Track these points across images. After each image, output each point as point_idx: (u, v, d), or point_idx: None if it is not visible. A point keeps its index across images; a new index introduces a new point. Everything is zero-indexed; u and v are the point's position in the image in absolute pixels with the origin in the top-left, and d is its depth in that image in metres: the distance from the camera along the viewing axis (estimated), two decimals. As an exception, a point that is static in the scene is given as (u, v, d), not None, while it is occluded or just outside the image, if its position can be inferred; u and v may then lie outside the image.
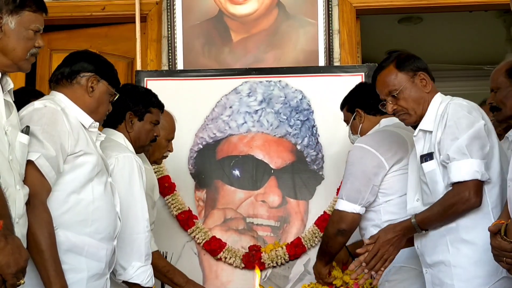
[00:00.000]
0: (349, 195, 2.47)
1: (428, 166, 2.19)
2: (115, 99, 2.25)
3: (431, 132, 2.22)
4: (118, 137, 2.42)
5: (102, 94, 2.19)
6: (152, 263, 2.34)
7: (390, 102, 2.27)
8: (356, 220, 2.50)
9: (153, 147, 2.66)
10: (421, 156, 2.22)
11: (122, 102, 2.40)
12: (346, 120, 2.77)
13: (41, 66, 3.89)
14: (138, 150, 2.48)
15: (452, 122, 2.14)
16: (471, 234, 2.11)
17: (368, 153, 2.49)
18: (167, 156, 2.82)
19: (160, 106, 2.61)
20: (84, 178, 2.03)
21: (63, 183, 1.99)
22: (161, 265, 2.63)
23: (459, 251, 2.13)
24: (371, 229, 2.52)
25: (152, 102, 2.57)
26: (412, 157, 2.37)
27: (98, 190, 2.06)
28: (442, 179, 2.15)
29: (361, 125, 2.67)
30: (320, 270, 2.67)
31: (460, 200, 2.09)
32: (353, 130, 2.72)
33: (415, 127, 2.30)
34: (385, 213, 2.50)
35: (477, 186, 2.08)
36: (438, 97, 2.27)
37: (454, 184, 2.10)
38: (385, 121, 2.67)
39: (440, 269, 2.18)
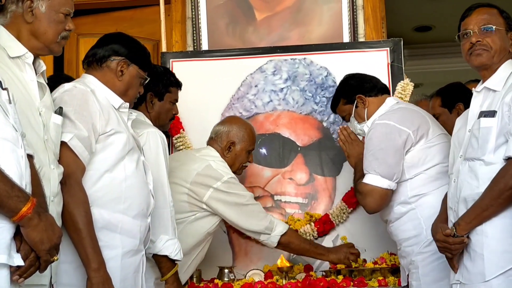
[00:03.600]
0: (383, 170, 2.47)
1: (486, 121, 2.15)
2: (146, 82, 2.29)
3: (495, 91, 2.20)
4: (139, 115, 2.46)
5: (132, 78, 2.22)
6: (290, 241, 2.72)
7: (478, 33, 2.25)
8: (388, 196, 2.50)
9: (232, 158, 2.81)
10: (481, 112, 2.19)
11: None
12: (347, 115, 2.78)
13: (68, 51, 3.96)
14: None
15: None
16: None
17: (394, 129, 2.50)
18: (246, 166, 2.96)
19: (178, 85, 2.66)
20: (115, 156, 2.07)
21: (96, 162, 2.04)
22: (301, 240, 2.88)
23: (493, 222, 2.10)
24: (398, 206, 2.53)
25: (171, 81, 2.62)
26: (458, 119, 2.37)
27: (130, 168, 2.10)
28: (496, 139, 2.12)
29: (366, 109, 2.70)
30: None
31: None
32: (359, 119, 2.74)
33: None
34: (412, 189, 2.51)
35: None
36: (509, 63, 2.26)
37: None
38: (391, 100, 2.71)
39: (471, 236, 2.14)
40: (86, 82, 2.15)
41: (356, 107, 2.73)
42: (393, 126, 2.51)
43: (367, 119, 2.70)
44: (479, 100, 2.26)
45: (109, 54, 2.19)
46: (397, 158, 2.48)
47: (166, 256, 2.30)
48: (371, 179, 2.50)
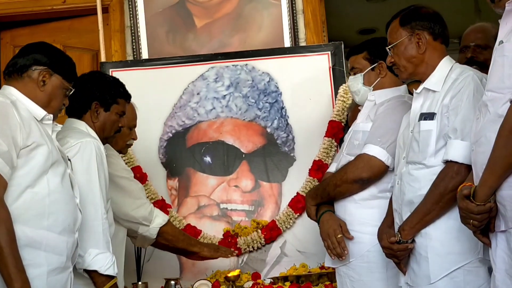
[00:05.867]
0: (388, 144, 2.35)
1: (426, 125, 2.14)
2: (70, 93, 2.20)
3: (434, 91, 2.18)
4: (80, 124, 2.38)
5: (55, 88, 2.12)
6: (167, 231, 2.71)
7: (390, 54, 2.27)
8: (383, 172, 2.36)
9: (115, 136, 2.63)
10: (421, 114, 2.18)
11: (88, 91, 2.38)
12: (358, 70, 2.58)
13: (5, 63, 3.83)
14: (102, 142, 2.44)
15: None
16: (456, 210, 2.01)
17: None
18: (131, 145, 2.80)
19: (127, 97, 2.58)
20: (38, 170, 1.98)
21: (17, 177, 1.94)
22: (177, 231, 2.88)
23: (437, 224, 2.10)
24: (374, 188, 2.39)
25: (120, 92, 2.53)
26: (405, 116, 2.32)
27: (54, 182, 2.01)
28: (436, 142, 2.11)
29: (379, 79, 2.54)
30: (309, 211, 2.59)
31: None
32: (366, 82, 2.55)
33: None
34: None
35: None
36: (448, 61, 2.23)
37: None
38: (405, 88, 2.57)
39: (416, 238, 2.13)
40: (6, 94, 2.05)
41: (372, 70, 2.55)
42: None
43: (374, 88, 2.54)
44: (420, 101, 2.24)
45: (30, 64, 2.10)
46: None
47: (96, 271, 2.21)
48: (371, 149, 2.36)
